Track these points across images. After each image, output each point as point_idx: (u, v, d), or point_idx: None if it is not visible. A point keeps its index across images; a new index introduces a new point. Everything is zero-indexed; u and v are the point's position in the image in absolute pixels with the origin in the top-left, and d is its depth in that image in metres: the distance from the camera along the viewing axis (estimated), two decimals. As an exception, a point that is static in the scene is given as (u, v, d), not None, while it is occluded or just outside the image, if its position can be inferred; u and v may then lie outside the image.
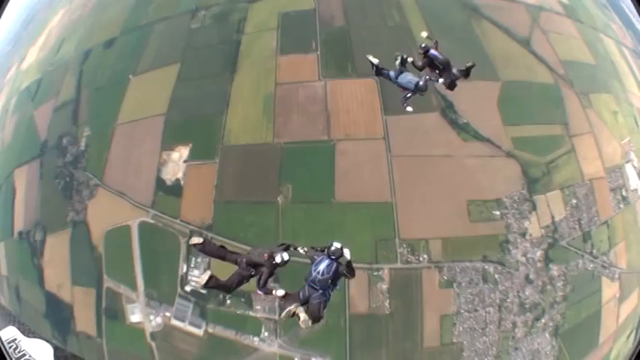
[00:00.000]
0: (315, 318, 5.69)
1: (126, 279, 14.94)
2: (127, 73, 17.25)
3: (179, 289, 14.57)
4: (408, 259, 14.72)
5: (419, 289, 14.64)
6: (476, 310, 14.67)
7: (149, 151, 15.84)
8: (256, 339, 14.45)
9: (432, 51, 7.94)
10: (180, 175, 15.39)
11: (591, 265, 15.91)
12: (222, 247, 6.37)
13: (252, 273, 5.85)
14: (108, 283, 15.12)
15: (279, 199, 14.88)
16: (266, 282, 5.71)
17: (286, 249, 6.11)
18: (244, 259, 5.86)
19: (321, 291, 5.76)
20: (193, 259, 14.68)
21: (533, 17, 19.75)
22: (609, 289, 15.63)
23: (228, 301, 14.51)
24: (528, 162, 16.37)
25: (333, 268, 5.80)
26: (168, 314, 14.58)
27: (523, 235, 15.42)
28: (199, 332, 14.47)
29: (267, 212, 14.92)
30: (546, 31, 19.50)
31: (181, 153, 15.56)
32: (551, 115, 17.43)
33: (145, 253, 15.15)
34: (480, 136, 16.45)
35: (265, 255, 5.80)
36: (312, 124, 15.63)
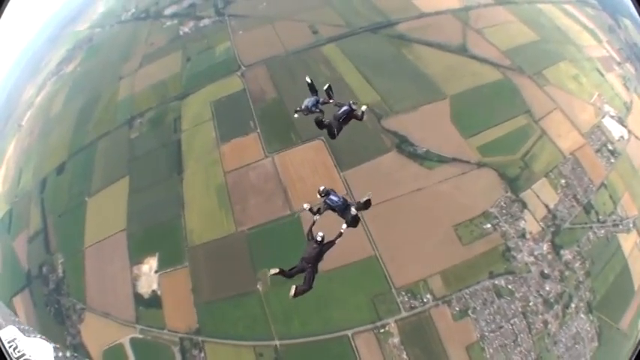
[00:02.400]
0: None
1: None
2: (82, 195, 19.13)
3: None
4: (412, 305, 15.06)
5: (433, 329, 14.91)
6: (500, 327, 14.89)
7: (120, 267, 17.22)
8: None
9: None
10: (155, 286, 16.58)
11: (602, 231, 16.35)
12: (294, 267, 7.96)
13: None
14: None
15: (258, 286, 15.61)
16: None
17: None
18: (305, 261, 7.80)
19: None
20: None
21: (463, 20, 20.86)
22: (628, 241, 16.05)
23: None
24: (503, 164, 16.98)
25: None
26: None
27: (523, 236, 15.85)
28: None
29: (251, 302, 15.64)
30: (479, 29, 20.59)
31: (150, 264, 16.83)
32: (511, 109, 18.15)
33: None
34: (444, 158, 17.13)
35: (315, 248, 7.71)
36: (271, 203, 16.41)
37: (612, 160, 17.70)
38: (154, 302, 16.53)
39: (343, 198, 9.01)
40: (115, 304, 17.24)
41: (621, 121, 19.02)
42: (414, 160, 16.92)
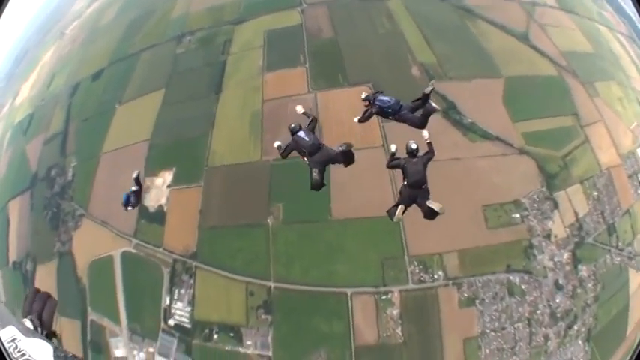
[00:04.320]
0: None
1: (109, 312, 16.56)
2: (113, 102, 20.39)
3: (162, 323, 15.84)
4: (421, 278, 15.25)
5: (436, 310, 15.06)
6: (503, 328, 14.97)
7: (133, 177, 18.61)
8: (247, 379, 14.92)
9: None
10: (163, 201, 17.36)
11: (618, 259, 16.60)
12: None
13: None
14: (92, 315, 16.87)
15: (269, 220, 16.14)
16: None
17: None
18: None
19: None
20: (177, 290, 16.11)
21: (528, 13, 22.19)
22: (635, 279, 16.23)
23: (215, 337, 15.54)
24: (544, 157, 17.51)
25: None
26: (152, 349, 15.83)
27: (548, 237, 16.11)
28: (185, 369, 15.25)
29: (256, 236, 16.07)
30: (543, 24, 21.87)
31: (165, 178, 17.69)
32: (560, 107, 18.93)
33: (128, 284, 16.84)
34: (489, 135, 17.72)
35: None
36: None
37: (639, 192, 18.27)
38: (157, 217, 17.26)
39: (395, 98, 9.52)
40: (116, 214, 17.70)
41: (652, 157, 20.00)
42: (458, 129, 17.57)
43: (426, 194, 8.16)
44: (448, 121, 17.81)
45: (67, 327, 17.17)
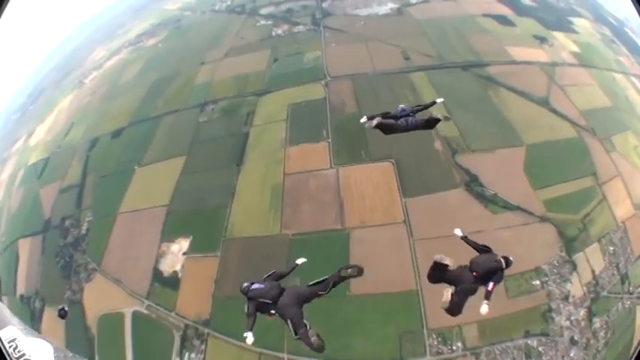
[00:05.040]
0: None
1: None
2: (132, 163, 21.04)
3: None
4: (439, 350, 15.36)
5: None
6: None
7: (149, 241, 18.55)
8: None
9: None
10: (178, 267, 17.73)
11: (628, 303, 17.00)
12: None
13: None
14: None
15: None
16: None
17: None
18: None
19: None
20: (187, 354, 16.36)
21: (549, 75, 23.09)
22: None
23: None
24: (564, 222, 17.85)
25: None
26: None
27: (566, 298, 16.42)
28: None
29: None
30: (563, 85, 22.72)
31: (181, 245, 18.10)
32: (580, 169, 19.52)
33: (137, 343, 17.10)
34: (510, 205, 18.10)
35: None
36: (324, 214, 17.58)
37: None
38: (171, 282, 17.64)
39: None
40: (130, 274, 18.49)
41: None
42: (480, 202, 17.98)
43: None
44: (470, 194, 18.32)
45: None
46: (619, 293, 17.20)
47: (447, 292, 7.63)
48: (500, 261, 8.04)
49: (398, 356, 15.39)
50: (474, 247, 8.63)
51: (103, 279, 18.78)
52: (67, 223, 21.07)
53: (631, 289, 17.44)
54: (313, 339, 6.90)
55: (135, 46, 30.39)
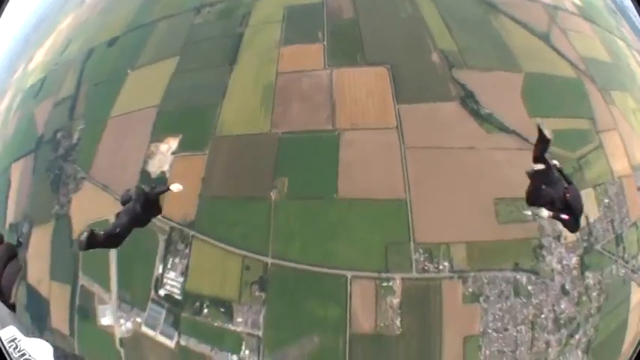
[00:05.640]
0: None
1: (100, 278, 16.72)
2: (126, 68, 21.02)
3: (153, 293, 15.93)
4: (426, 267, 15.18)
5: (438, 304, 14.96)
6: (506, 330, 14.87)
7: (138, 143, 18.48)
8: (235, 357, 15.10)
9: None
10: (166, 167, 17.66)
11: (623, 271, 16.73)
12: None
13: None
14: (83, 280, 17.03)
15: (272, 193, 16.27)
16: None
17: None
18: None
19: None
20: (171, 259, 16.25)
21: (551, 15, 22.94)
22: (636, 294, 16.32)
23: (205, 311, 15.55)
24: (559, 157, 17.22)
25: None
26: (139, 320, 15.92)
27: (557, 238, 16.13)
28: (170, 344, 15.47)
29: (258, 209, 16.18)
30: (564, 28, 22.56)
31: (170, 144, 18.05)
32: (578, 109, 19.40)
33: (121, 250, 16.56)
34: (506, 127, 17.94)
35: None
36: (315, 114, 17.54)
37: None
38: (159, 183, 17.10)
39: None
40: (118, 178, 18.33)
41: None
42: (475, 118, 17.85)
43: None
44: (465, 110, 18.14)
45: (57, 292, 17.50)
46: (613, 254, 17.00)
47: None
48: None
49: (384, 268, 15.22)
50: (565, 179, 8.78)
51: (91, 186, 18.73)
52: (58, 135, 21.03)
53: (626, 256, 17.23)
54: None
55: None
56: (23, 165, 21.63)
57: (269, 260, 15.70)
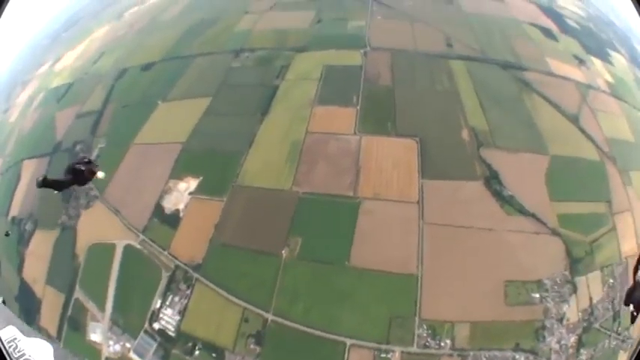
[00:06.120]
0: None
1: (96, 296, 16.80)
2: (157, 97, 21.26)
3: (147, 324, 15.96)
4: (427, 343, 15.12)
5: None
6: None
7: (157, 176, 18.64)
8: (221, 404, 14.70)
9: None
10: (181, 206, 17.76)
11: (614, 343, 16.92)
12: None
13: None
14: (78, 294, 17.13)
15: (283, 251, 16.27)
16: None
17: None
18: None
19: None
20: (171, 296, 16.30)
21: (583, 95, 23.40)
22: (622, 358, 16.56)
23: (197, 352, 15.53)
24: (573, 241, 17.82)
25: None
26: (128, 345, 15.91)
27: (560, 320, 16.27)
28: (157, 377, 15.24)
29: (267, 264, 16.16)
30: (594, 108, 22.99)
31: (189, 184, 18.16)
32: (597, 193, 19.59)
33: (123, 277, 17.10)
34: (525, 210, 18.05)
35: None
36: (339, 178, 17.58)
37: None
38: (171, 220, 17.64)
39: None
40: (131, 206, 18.52)
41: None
42: (497, 200, 17.93)
43: None
44: (488, 190, 18.29)
45: (50, 297, 17.61)
46: (609, 330, 17.14)
47: None
48: None
49: (385, 339, 15.17)
50: None
51: (103, 207, 18.80)
52: (77, 147, 21.26)
53: (619, 329, 17.38)
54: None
55: None
56: (36, 165, 21.87)
57: (270, 316, 15.67)
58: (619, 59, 29.92)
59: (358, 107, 20.05)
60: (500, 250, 16.97)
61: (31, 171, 21.59)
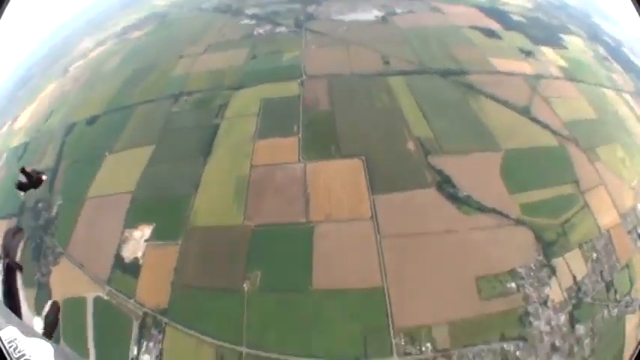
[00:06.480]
0: None
1: (80, 350, 16.86)
2: (104, 150, 21.64)
3: None
4: (407, 351, 15.19)
5: None
6: None
7: (112, 227, 18.85)
8: None
9: None
10: (139, 254, 17.95)
11: (615, 311, 17.31)
12: None
13: None
14: (64, 348, 17.30)
15: (245, 285, 16.40)
16: None
17: None
18: None
19: None
20: (145, 343, 16.44)
21: (532, 86, 23.94)
22: (631, 322, 16.95)
23: None
24: (541, 226, 18.25)
25: None
26: None
27: (544, 303, 16.51)
28: None
29: (231, 300, 16.26)
30: (547, 97, 23.59)
31: (143, 232, 18.36)
32: (560, 176, 20.07)
33: (98, 328, 17.29)
34: (485, 207, 18.44)
35: None
36: (289, 206, 17.77)
37: (639, 244, 19.57)
38: (132, 269, 17.87)
39: None
40: (93, 259, 18.76)
41: (656, 206, 21.34)
42: (452, 202, 18.28)
43: None
44: (441, 194, 18.68)
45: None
46: (604, 300, 17.55)
47: None
48: None
49: (363, 354, 15.30)
50: None
51: (69, 263, 19.05)
52: (39, 205, 21.66)
53: (618, 297, 17.83)
54: None
55: (120, 38, 31.76)
56: (7, 226, 22.02)
57: (244, 349, 15.77)
58: (574, 41, 31.01)
59: (300, 135, 20.46)
60: (465, 248, 17.37)
61: (3, 230, 21.94)
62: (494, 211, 18.31)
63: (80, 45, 32.52)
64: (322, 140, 20.00)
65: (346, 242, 17.39)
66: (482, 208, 18.42)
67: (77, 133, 23.60)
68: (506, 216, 18.13)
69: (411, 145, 19.73)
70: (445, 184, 18.80)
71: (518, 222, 18.13)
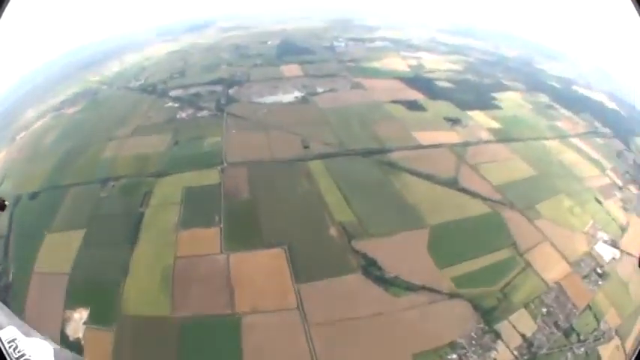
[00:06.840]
0: None
1: None
2: (44, 227, 22.62)
3: None
4: None
5: None
6: None
7: (56, 304, 19.78)
8: None
9: None
10: (80, 335, 18.77)
11: (582, 349, 18.05)
12: None
13: None
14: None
15: None
16: None
17: None
18: None
19: None
20: None
21: (459, 155, 24.35)
22: (607, 349, 17.94)
23: None
24: (478, 295, 18.81)
25: None
26: None
27: None
28: None
29: None
30: (475, 164, 23.98)
31: (82, 314, 19.15)
32: (494, 243, 20.56)
33: None
34: (414, 285, 18.91)
35: None
36: (214, 298, 18.33)
37: (600, 283, 20.27)
38: (76, 348, 18.56)
39: None
40: (44, 331, 19.25)
41: (614, 244, 22.16)
42: (379, 285, 18.83)
43: None
44: (368, 278, 19.20)
45: None
46: (565, 346, 18.17)
47: None
48: None
49: None
50: None
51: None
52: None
53: (582, 337, 18.49)
54: None
55: (58, 113, 33.46)
56: None
57: None
58: (509, 97, 31.15)
59: (221, 226, 21.06)
60: (397, 329, 17.96)
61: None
62: (424, 288, 18.87)
63: (25, 114, 34.13)
64: (243, 230, 20.57)
65: (275, 334, 17.96)
66: (411, 287, 18.95)
67: (22, 207, 24.78)
68: (438, 291, 18.67)
69: (333, 231, 20.30)
70: (371, 267, 19.35)
71: (452, 295, 18.66)
